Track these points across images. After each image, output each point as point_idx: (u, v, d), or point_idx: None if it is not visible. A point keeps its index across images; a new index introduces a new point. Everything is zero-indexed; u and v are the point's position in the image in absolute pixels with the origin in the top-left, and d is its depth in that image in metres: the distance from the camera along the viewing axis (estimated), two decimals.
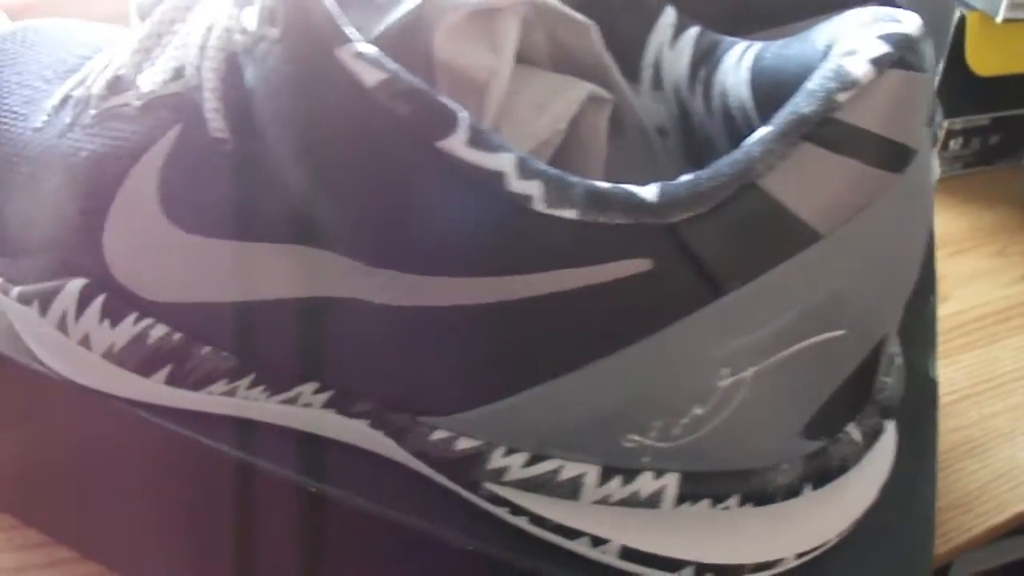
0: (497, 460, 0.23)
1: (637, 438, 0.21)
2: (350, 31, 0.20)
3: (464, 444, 0.23)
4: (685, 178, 0.20)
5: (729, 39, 0.24)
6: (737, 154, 0.19)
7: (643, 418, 0.21)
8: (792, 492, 0.22)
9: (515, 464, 0.23)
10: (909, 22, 0.19)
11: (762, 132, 0.19)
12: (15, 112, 0.29)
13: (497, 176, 0.19)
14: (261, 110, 0.21)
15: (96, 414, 0.30)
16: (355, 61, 0.19)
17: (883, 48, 0.19)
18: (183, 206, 0.24)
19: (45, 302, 0.27)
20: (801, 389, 0.21)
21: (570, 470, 0.22)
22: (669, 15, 0.24)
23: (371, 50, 0.20)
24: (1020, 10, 0.37)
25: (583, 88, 0.23)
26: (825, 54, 0.21)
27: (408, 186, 0.20)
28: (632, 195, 0.19)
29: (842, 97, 0.19)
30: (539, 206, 0.19)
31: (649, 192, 0.19)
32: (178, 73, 0.24)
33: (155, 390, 0.27)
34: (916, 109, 0.19)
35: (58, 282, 0.27)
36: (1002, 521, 0.33)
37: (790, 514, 0.22)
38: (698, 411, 0.21)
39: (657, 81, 0.25)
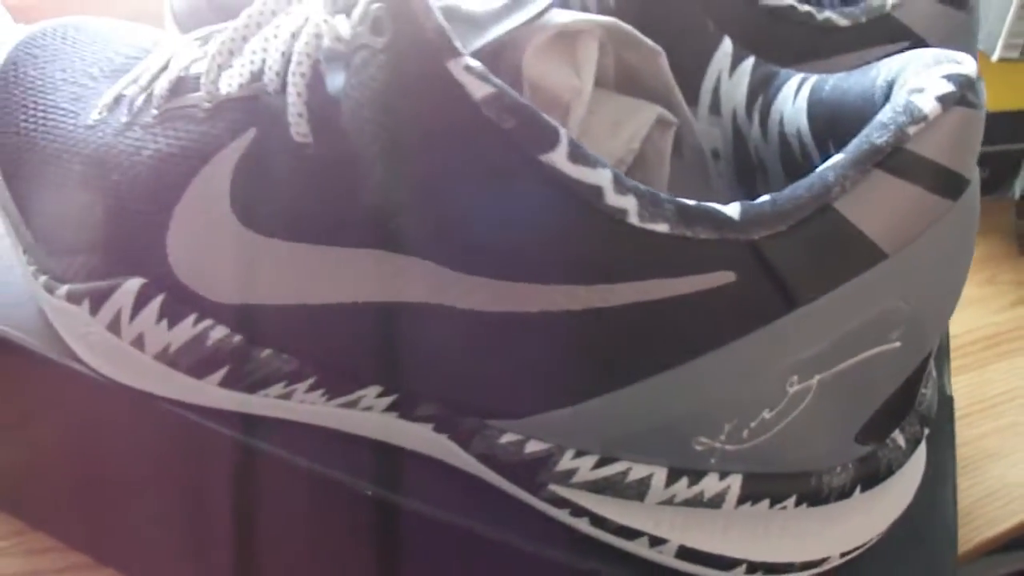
0: (567, 462, 0.25)
1: (707, 441, 0.23)
2: (459, 45, 0.22)
3: (534, 447, 0.25)
4: (764, 199, 0.22)
5: (784, 71, 0.26)
6: (813, 178, 0.22)
7: (715, 421, 0.23)
8: (844, 494, 0.24)
9: (584, 466, 0.25)
10: (968, 64, 0.22)
11: (836, 159, 0.22)
12: (63, 108, 0.30)
13: (596, 190, 0.21)
14: (354, 115, 0.23)
15: (119, 414, 0.31)
16: (465, 74, 0.21)
17: (948, 87, 0.21)
18: (257, 208, 0.26)
19: (97, 301, 0.28)
20: (858, 396, 0.23)
21: (638, 471, 0.24)
22: (727, 45, 0.27)
23: (479, 64, 0.22)
24: (1014, 51, 0.40)
25: (653, 110, 0.25)
26: (885, 89, 0.23)
27: (508, 196, 0.22)
28: (718, 212, 0.22)
29: (912, 130, 0.21)
30: (633, 220, 0.21)
31: (732, 210, 0.22)
32: (255, 77, 0.26)
33: (206, 392, 0.28)
34: (973, 143, 0.22)
35: (113, 281, 0.28)
36: (992, 536, 0.36)
37: (839, 514, 0.25)
38: (767, 415, 0.23)
39: (715, 106, 0.27)
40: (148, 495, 0.32)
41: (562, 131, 0.22)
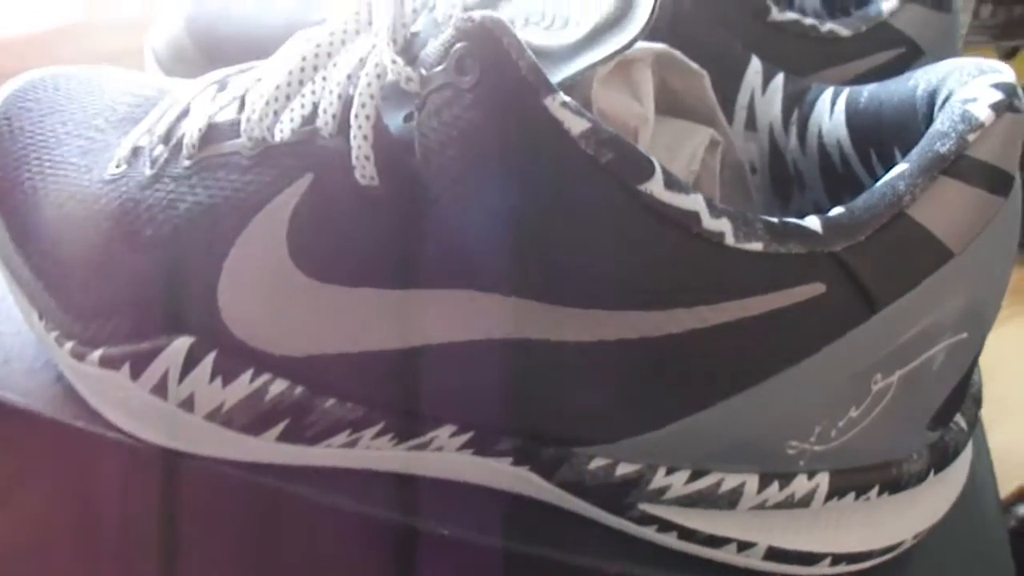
0: (659, 480, 0.26)
1: (798, 444, 0.25)
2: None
3: (625, 469, 0.26)
4: (840, 211, 0.24)
5: (815, 85, 0.29)
6: (884, 188, 0.24)
7: (806, 425, 0.25)
8: (920, 479, 0.26)
9: (677, 482, 0.26)
10: (1007, 72, 0.25)
11: (902, 168, 0.24)
12: (72, 163, 0.30)
13: (694, 216, 0.23)
14: (433, 156, 0.24)
15: (155, 479, 0.30)
16: (562, 110, 0.23)
17: (998, 95, 0.24)
18: (318, 256, 0.26)
19: (139, 364, 0.28)
20: (933, 387, 0.25)
21: (731, 481, 0.26)
22: (756, 63, 0.29)
23: (572, 100, 0.23)
24: None
25: (705, 132, 0.27)
26: (926, 99, 0.26)
27: (607, 228, 0.23)
28: (805, 227, 0.24)
29: (971, 137, 0.24)
30: (730, 241, 0.23)
31: (814, 223, 0.24)
32: (306, 121, 0.26)
33: (262, 448, 0.28)
34: (1019, 144, 0.25)
35: (156, 342, 0.28)
36: None
37: (913, 499, 0.27)
38: (853, 413, 0.25)
39: (751, 122, 0.29)
40: (198, 558, 0.32)
41: (655, 161, 0.23)
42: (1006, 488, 0.39)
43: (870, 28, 0.33)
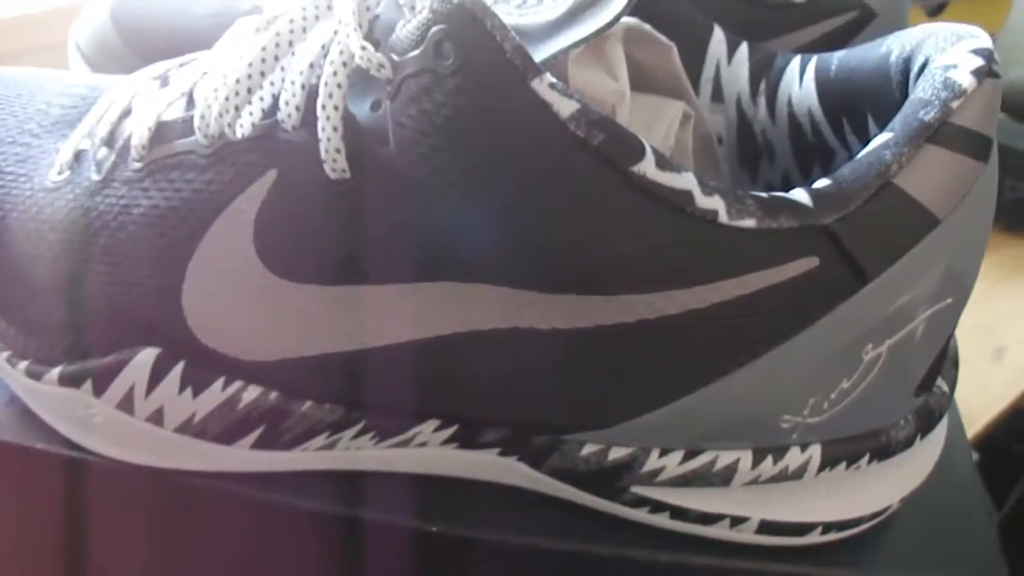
0: (652, 463, 0.25)
1: (791, 417, 0.24)
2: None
3: (617, 453, 0.25)
4: (825, 182, 0.23)
5: (781, 53, 0.27)
6: (869, 158, 0.23)
7: (800, 398, 0.24)
8: (908, 443, 0.25)
9: (671, 464, 0.25)
10: (984, 38, 0.24)
11: (886, 137, 0.23)
12: (9, 172, 0.27)
13: (686, 195, 0.21)
14: (411, 145, 0.22)
15: (126, 496, 0.28)
16: (550, 92, 0.21)
17: (978, 61, 0.23)
18: (289, 255, 0.24)
19: (102, 380, 0.25)
20: (919, 354, 0.25)
21: (724, 459, 0.25)
22: (719, 33, 0.28)
23: (559, 82, 0.21)
24: None
25: (678, 106, 0.25)
26: (900, 65, 0.25)
27: (600, 211, 0.21)
28: (795, 201, 0.22)
29: (955, 104, 0.23)
30: (724, 219, 0.22)
31: (803, 196, 0.22)
32: (266, 114, 0.24)
33: (236, 456, 0.26)
34: (997, 108, 0.24)
35: (119, 356, 0.25)
36: None
37: (899, 463, 0.26)
38: (845, 384, 0.24)
39: (717, 94, 0.28)
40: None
41: (645, 142, 0.21)
42: None
43: None
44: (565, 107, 0.21)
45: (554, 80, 0.21)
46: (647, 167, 0.21)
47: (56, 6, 0.42)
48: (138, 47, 0.36)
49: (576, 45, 0.22)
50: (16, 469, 0.28)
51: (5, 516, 0.29)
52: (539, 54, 0.22)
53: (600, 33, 0.21)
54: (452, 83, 0.21)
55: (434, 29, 0.21)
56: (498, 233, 0.22)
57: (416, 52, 0.21)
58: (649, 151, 0.21)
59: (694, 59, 0.28)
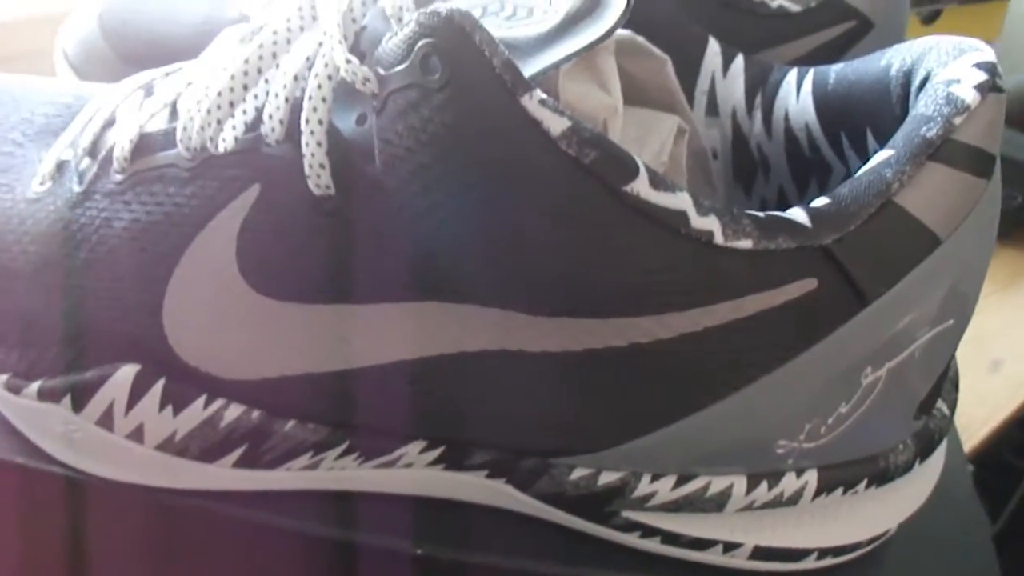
0: (644, 488, 0.23)
1: (787, 443, 0.23)
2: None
3: (607, 478, 0.23)
4: (823, 201, 0.22)
5: (777, 66, 0.26)
6: (869, 176, 0.21)
7: (796, 423, 0.23)
8: (907, 468, 0.24)
9: (663, 489, 0.23)
10: (987, 51, 0.22)
11: (887, 155, 0.22)
12: None
13: (681, 215, 0.20)
14: (399, 162, 0.20)
15: (107, 513, 0.27)
16: (540, 109, 0.19)
17: (982, 76, 0.22)
18: (272, 272, 0.22)
19: (82, 396, 0.24)
20: (920, 376, 0.23)
21: (718, 484, 0.23)
22: (714, 45, 0.26)
23: (549, 98, 0.20)
24: None
25: (672, 121, 0.24)
26: (900, 79, 0.23)
27: (592, 231, 0.20)
28: (793, 221, 0.21)
29: (957, 120, 0.21)
30: (719, 240, 0.20)
31: (801, 216, 0.21)
32: (250, 127, 0.22)
33: (217, 475, 0.25)
34: (1001, 123, 0.22)
35: (99, 371, 0.24)
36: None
37: (899, 487, 0.25)
38: (843, 409, 0.23)
39: (712, 108, 0.26)
40: None
41: (639, 160, 0.20)
42: None
43: (820, 3, 0.31)
44: (556, 124, 0.19)
45: (544, 96, 0.19)
46: (641, 186, 0.20)
47: (40, 12, 0.41)
48: (126, 54, 0.35)
49: (568, 59, 0.20)
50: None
51: None
52: (530, 68, 0.21)
53: (594, 46, 0.20)
54: (439, 98, 0.20)
55: (421, 43, 0.20)
56: (487, 253, 0.21)
57: (403, 66, 0.20)
58: (643, 170, 0.20)
59: (688, 72, 0.26)
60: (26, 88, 0.28)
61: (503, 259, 0.21)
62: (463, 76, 0.20)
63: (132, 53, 0.35)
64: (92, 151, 0.25)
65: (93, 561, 0.28)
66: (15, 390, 0.25)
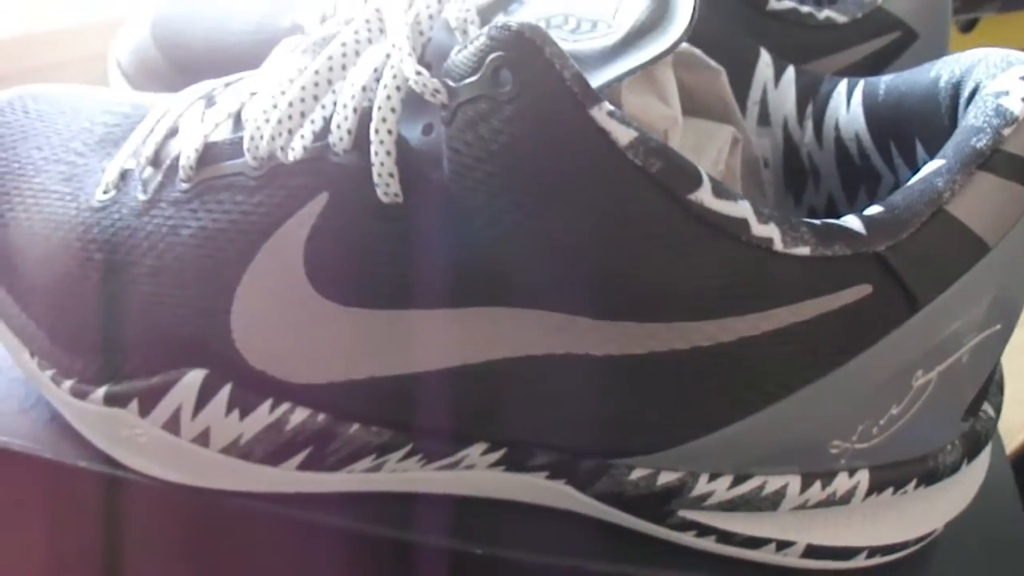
0: (701, 487, 0.25)
1: (840, 443, 0.25)
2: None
3: (666, 478, 0.25)
4: (877, 209, 0.23)
5: (828, 77, 0.28)
6: (921, 185, 0.23)
7: (850, 424, 0.24)
8: (955, 469, 0.26)
9: (720, 488, 0.25)
10: None
11: (938, 164, 0.23)
12: (55, 191, 0.27)
13: (742, 223, 0.22)
14: (467, 171, 0.22)
15: (166, 514, 0.28)
16: (609, 120, 0.21)
17: None
18: (340, 278, 0.24)
19: (149, 401, 0.26)
20: (968, 379, 0.25)
21: (773, 483, 0.25)
22: (765, 56, 0.28)
23: (617, 110, 0.21)
24: None
25: (727, 131, 0.26)
26: (950, 91, 0.25)
27: (657, 239, 0.22)
28: (848, 228, 0.23)
29: (1006, 131, 0.23)
30: (779, 247, 0.22)
31: (856, 223, 0.23)
32: (317, 137, 0.24)
33: (281, 478, 0.26)
34: None
35: (166, 376, 0.25)
36: None
37: (946, 487, 0.26)
38: (894, 410, 0.24)
39: (764, 117, 0.28)
40: None
41: (701, 169, 0.22)
42: None
43: (866, 14, 0.33)
44: (623, 135, 0.21)
45: (612, 108, 0.21)
46: (704, 195, 0.22)
47: (91, 19, 0.43)
48: (178, 63, 0.37)
49: (633, 72, 0.22)
50: (57, 486, 0.28)
51: (45, 533, 0.30)
52: (595, 80, 0.22)
53: (658, 60, 0.22)
54: (510, 110, 0.21)
55: (492, 56, 0.21)
56: (554, 260, 0.22)
57: (473, 78, 0.22)
58: (706, 179, 0.22)
59: (741, 82, 0.28)
60: (83, 98, 0.30)
61: (569, 265, 0.22)
62: (533, 88, 0.21)
63: (185, 62, 0.36)
64: (155, 160, 0.26)
65: (147, 563, 0.30)
66: (81, 396, 0.26)
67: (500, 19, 0.23)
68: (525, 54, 0.21)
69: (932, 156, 0.24)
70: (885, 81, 0.27)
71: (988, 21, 0.54)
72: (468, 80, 0.22)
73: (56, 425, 0.28)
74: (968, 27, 0.53)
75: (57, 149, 0.28)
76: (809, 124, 0.28)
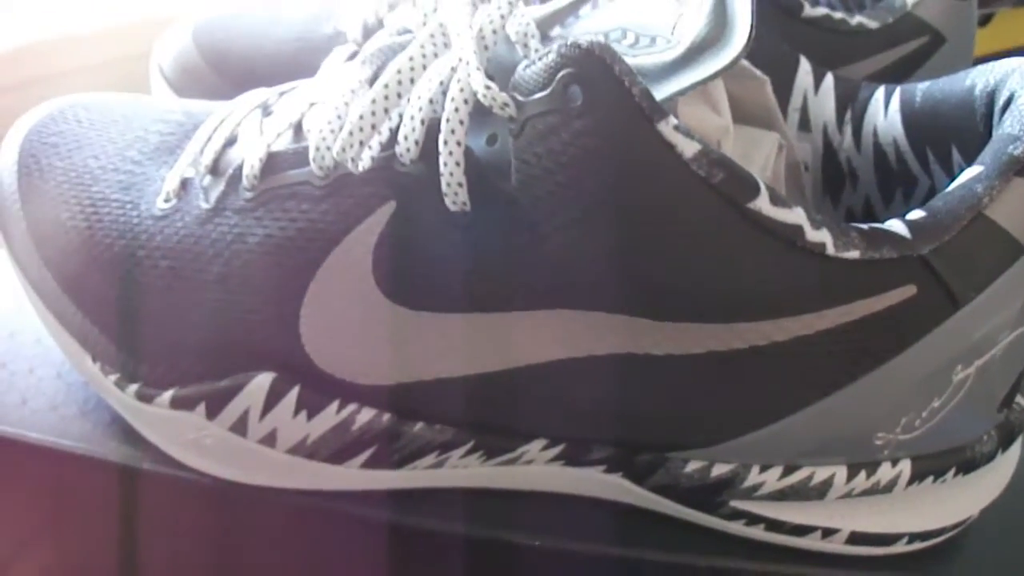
0: (753, 478, 0.27)
1: (885, 435, 0.27)
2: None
3: (720, 470, 0.28)
4: (920, 214, 0.26)
5: (865, 84, 0.30)
6: (961, 191, 0.26)
7: (894, 417, 0.27)
8: (990, 458, 0.29)
9: (770, 479, 0.28)
10: None
11: (977, 171, 0.26)
12: (115, 200, 0.29)
13: (797, 229, 0.24)
14: (535, 182, 0.24)
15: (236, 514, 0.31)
16: (674, 134, 0.23)
17: None
18: (408, 284, 0.26)
19: (216, 403, 0.28)
20: (1003, 373, 0.28)
21: (821, 474, 0.27)
22: (805, 64, 0.30)
23: (682, 124, 0.24)
24: None
25: (773, 138, 0.28)
26: (985, 99, 0.28)
27: (719, 245, 0.24)
28: (893, 232, 0.25)
29: None
30: (831, 251, 0.24)
31: (901, 227, 0.25)
32: (384, 147, 0.26)
33: (346, 476, 0.29)
34: None
35: (235, 380, 0.27)
36: None
37: (982, 475, 0.29)
38: (935, 404, 0.27)
39: (804, 123, 0.31)
40: None
41: (759, 179, 0.24)
42: None
43: (896, 20, 0.35)
44: (688, 148, 0.23)
45: (678, 122, 0.23)
46: (762, 203, 0.24)
47: (131, 20, 0.45)
48: (221, 68, 0.38)
49: (694, 86, 0.24)
50: (115, 488, 0.30)
51: (104, 533, 0.31)
52: (657, 94, 0.25)
53: (719, 75, 0.24)
54: (580, 124, 0.24)
55: (562, 72, 0.24)
56: (619, 265, 0.25)
57: (543, 93, 0.24)
58: (763, 188, 0.24)
59: (783, 90, 0.30)
60: (134, 106, 0.31)
61: (633, 271, 0.25)
62: (602, 103, 0.23)
63: (227, 68, 0.38)
64: (215, 169, 0.28)
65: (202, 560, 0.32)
66: (147, 399, 0.28)
67: (562, 34, 0.25)
68: (595, 71, 0.23)
69: (968, 162, 0.27)
70: (921, 89, 0.29)
71: (1004, 15, 0.57)
72: (538, 95, 0.24)
73: (116, 428, 0.30)
74: (984, 21, 0.56)
75: (113, 158, 0.30)
76: (848, 130, 0.30)
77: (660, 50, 0.25)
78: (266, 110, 0.29)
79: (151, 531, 0.31)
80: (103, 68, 0.42)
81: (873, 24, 0.35)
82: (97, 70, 0.40)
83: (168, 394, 0.28)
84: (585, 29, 0.27)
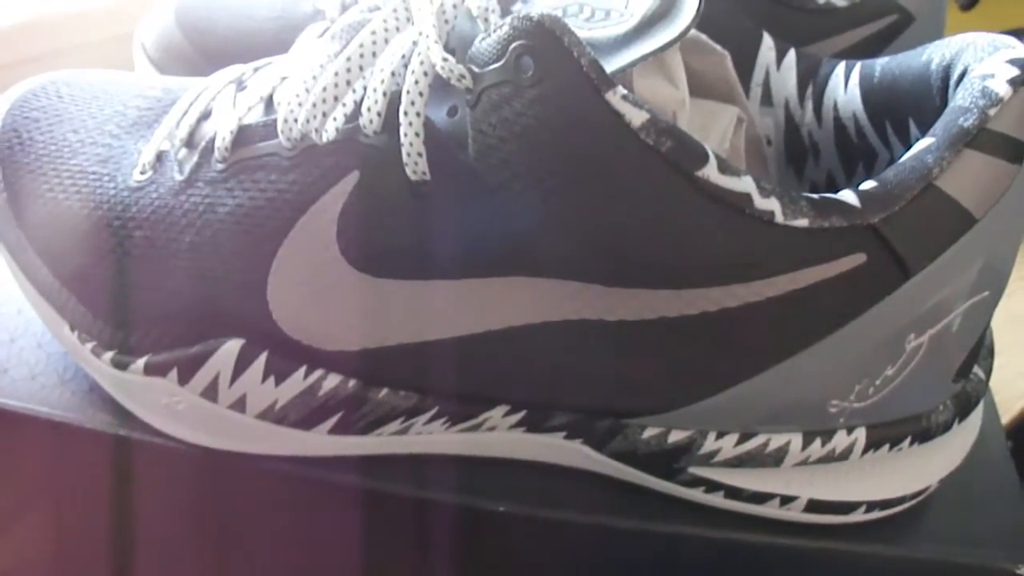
0: (709, 445, 0.29)
1: (839, 402, 0.28)
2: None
3: (676, 436, 0.29)
4: (871, 184, 0.27)
5: (826, 60, 0.31)
6: (912, 162, 0.27)
7: (847, 384, 0.28)
8: (947, 428, 0.30)
9: (726, 446, 0.29)
10: (1019, 47, 0.28)
11: (928, 142, 0.27)
12: (93, 172, 0.31)
13: (746, 197, 0.25)
14: (491, 151, 0.26)
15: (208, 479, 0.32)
16: (622, 103, 0.25)
17: (1014, 71, 0.27)
18: (371, 251, 0.28)
19: (188, 369, 0.29)
20: (958, 342, 0.29)
21: (776, 441, 0.29)
22: (768, 40, 0.32)
23: (630, 93, 0.25)
24: None
25: (732, 111, 0.29)
26: (940, 73, 0.29)
27: (668, 212, 0.25)
28: (843, 201, 0.26)
29: (992, 112, 0.27)
30: (780, 219, 0.26)
31: (851, 197, 0.26)
32: (349, 119, 0.28)
33: (314, 441, 0.30)
34: None
35: (205, 346, 0.29)
36: None
37: (939, 447, 0.30)
38: (889, 371, 0.28)
39: (767, 98, 0.32)
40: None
41: (707, 147, 0.25)
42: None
43: None
44: (637, 117, 0.25)
45: (626, 92, 0.25)
46: (711, 171, 0.25)
47: (109, 2, 0.46)
48: (202, 48, 0.40)
49: (644, 58, 0.26)
50: (94, 455, 0.32)
51: (84, 500, 0.33)
52: (609, 66, 0.26)
53: (668, 47, 0.25)
54: (532, 94, 0.25)
55: (515, 44, 0.25)
56: (571, 232, 0.26)
57: (497, 65, 0.25)
58: (712, 156, 0.25)
59: (745, 65, 0.32)
60: (115, 83, 0.33)
61: (584, 237, 0.26)
62: (553, 74, 0.25)
63: (208, 47, 0.40)
64: (190, 142, 0.30)
65: (179, 526, 0.33)
66: (121, 366, 0.30)
67: (520, 8, 0.27)
68: (546, 42, 0.25)
69: (925, 134, 0.28)
70: (880, 64, 0.30)
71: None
72: (492, 66, 0.25)
73: (95, 396, 0.31)
74: (969, 5, 0.57)
75: (92, 132, 0.31)
76: (809, 105, 0.32)
77: (614, 23, 0.27)
78: (240, 85, 0.31)
79: (130, 497, 0.32)
80: (91, 47, 0.44)
81: (841, 2, 0.36)
82: (86, 49, 0.42)
83: (142, 361, 0.29)
84: (545, 4, 0.28)
